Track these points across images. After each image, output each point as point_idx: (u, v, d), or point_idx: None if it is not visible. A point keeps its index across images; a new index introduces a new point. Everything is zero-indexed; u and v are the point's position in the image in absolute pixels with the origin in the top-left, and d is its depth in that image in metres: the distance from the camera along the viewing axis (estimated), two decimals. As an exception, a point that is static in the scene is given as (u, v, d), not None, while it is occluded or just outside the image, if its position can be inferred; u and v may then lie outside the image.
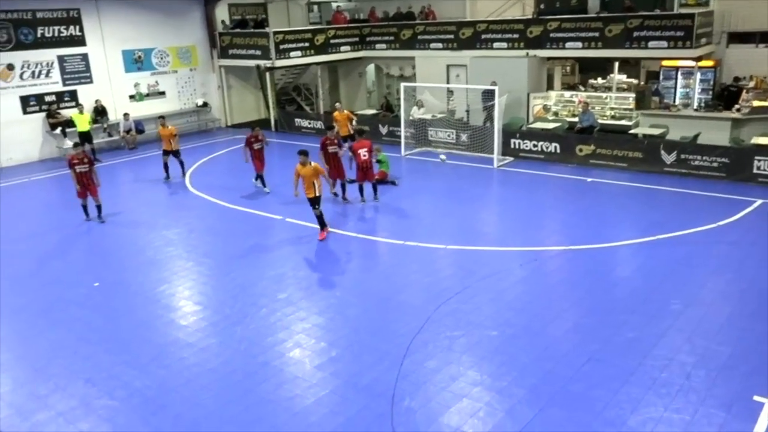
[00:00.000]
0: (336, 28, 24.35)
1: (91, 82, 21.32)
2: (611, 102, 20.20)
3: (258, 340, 8.49)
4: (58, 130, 20.12)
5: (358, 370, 7.63)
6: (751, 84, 18.41)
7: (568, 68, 23.09)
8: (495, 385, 7.22)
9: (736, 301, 9.01)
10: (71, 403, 7.21)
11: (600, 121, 18.86)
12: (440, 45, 22.44)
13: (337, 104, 20.18)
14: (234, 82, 25.43)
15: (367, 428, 6.56)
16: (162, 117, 17.81)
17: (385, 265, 11.17)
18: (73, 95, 20.95)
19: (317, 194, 11.78)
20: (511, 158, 17.77)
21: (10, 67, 19.53)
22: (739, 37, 19.10)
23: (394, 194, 14.89)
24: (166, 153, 17.00)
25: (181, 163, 17.28)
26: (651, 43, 18.15)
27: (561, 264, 10.73)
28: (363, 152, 13.77)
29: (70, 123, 19.99)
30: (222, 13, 24.76)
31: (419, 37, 22.95)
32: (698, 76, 19.31)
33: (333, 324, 8.89)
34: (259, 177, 15.67)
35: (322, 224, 12.09)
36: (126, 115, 21.43)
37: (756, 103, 17.33)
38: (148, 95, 22.97)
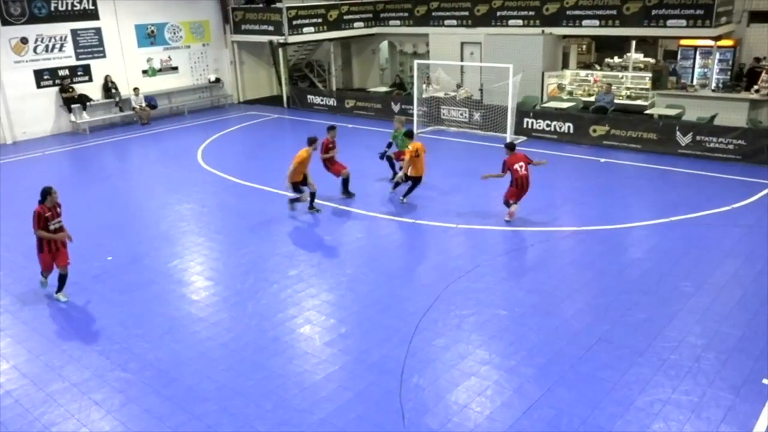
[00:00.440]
0: (349, 4, 24.12)
1: (104, 56, 21.31)
2: (627, 81, 19.95)
3: (269, 315, 8.56)
4: (78, 106, 20.25)
5: (368, 347, 7.69)
6: (771, 64, 18.10)
7: (584, 47, 22.77)
8: (504, 364, 7.25)
9: (748, 284, 8.94)
10: (85, 375, 7.33)
11: (615, 100, 18.64)
12: (455, 22, 22.18)
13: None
14: (246, 57, 25.33)
15: (375, 404, 6.63)
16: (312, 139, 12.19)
17: (395, 243, 11.17)
18: (86, 70, 20.96)
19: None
20: (524, 137, 17.64)
21: (24, 40, 19.54)
22: (760, 16, 18.69)
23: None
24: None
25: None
26: (670, 22, 17.82)
27: (573, 245, 10.69)
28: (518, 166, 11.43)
29: (83, 98, 20.08)
30: (235, -12, 24.61)
31: (433, 13, 22.68)
32: (717, 55, 18.98)
33: (343, 301, 8.94)
34: (345, 182, 13.15)
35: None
36: (136, 89, 21.44)
37: (775, 84, 17.04)
38: (160, 70, 22.94)
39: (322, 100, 23.10)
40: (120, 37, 21.65)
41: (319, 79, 27.29)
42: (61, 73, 20.42)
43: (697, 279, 9.11)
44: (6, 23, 19.03)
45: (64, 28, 20.30)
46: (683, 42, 19.50)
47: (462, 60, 21.88)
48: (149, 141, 19.61)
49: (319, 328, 8.19)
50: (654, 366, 7.08)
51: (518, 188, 11.42)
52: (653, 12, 17.94)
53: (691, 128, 15.55)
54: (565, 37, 20.48)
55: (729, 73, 18.88)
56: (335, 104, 22.58)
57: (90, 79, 21.00)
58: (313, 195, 12.24)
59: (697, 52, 19.45)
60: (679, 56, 20.01)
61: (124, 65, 21.87)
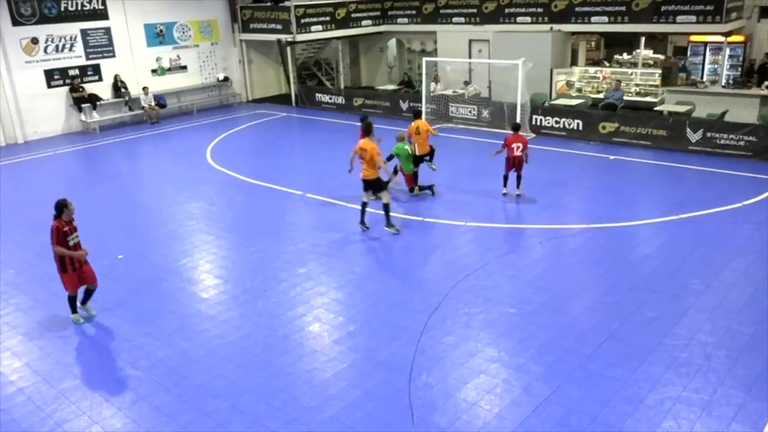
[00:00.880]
0: (357, 2, 24.08)
1: (113, 56, 21.42)
2: (636, 78, 19.84)
3: (278, 313, 8.59)
4: (88, 105, 20.38)
5: (377, 345, 7.70)
6: (783, 60, 17.95)
7: (593, 43, 22.64)
8: (512, 361, 7.25)
9: (759, 281, 8.88)
10: (95, 372, 7.40)
11: (624, 97, 18.55)
12: (463, 19, 22.11)
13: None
14: (255, 56, 25.38)
15: (384, 402, 6.64)
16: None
17: (404, 241, 11.18)
18: (96, 69, 21.08)
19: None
20: (533, 135, 17.58)
21: (35, 41, 19.67)
22: (771, 12, 18.56)
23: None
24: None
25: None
26: (679, 18, 17.67)
27: (582, 242, 10.65)
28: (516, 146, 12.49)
29: (92, 97, 20.19)
30: (243, -13, 24.66)
31: (441, 11, 22.62)
32: (727, 51, 18.83)
33: (352, 299, 8.96)
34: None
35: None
36: (145, 88, 21.54)
37: (787, 80, 16.90)
38: (169, 69, 23.03)
39: (330, 99, 23.12)
40: (129, 37, 21.76)
41: (327, 77, 27.30)
42: (71, 72, 20.54)
43: (706, 276, 9.05)
44: (17, 23, 19.17)
45: (73, 28, 20.42)
46: (693, 38, 19.38)
47: (470, 57, 21.83)
48: (158, 140, 19.71)
49: (328, 326, 8.21)
50: (664, 364, 7.05)
51: (510, 165, 12.65)
52: (663, 8, 17.81)
53: (701, 125, 15.44)
54: (573, 33, 20.39)
55: (739, 69, 18.74)
56: (343, 102, 22.59)
57: (100, 79, 21.13)
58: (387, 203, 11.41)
59: (707, 48, 19.31)
60: (688, 52, 19.89)
61: (134, 65, 21.98)
